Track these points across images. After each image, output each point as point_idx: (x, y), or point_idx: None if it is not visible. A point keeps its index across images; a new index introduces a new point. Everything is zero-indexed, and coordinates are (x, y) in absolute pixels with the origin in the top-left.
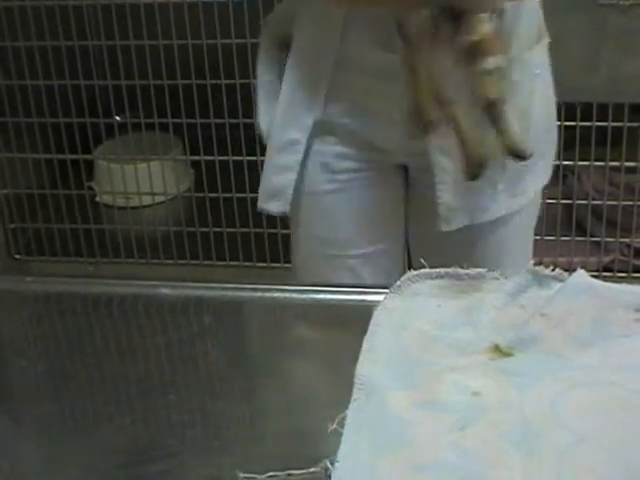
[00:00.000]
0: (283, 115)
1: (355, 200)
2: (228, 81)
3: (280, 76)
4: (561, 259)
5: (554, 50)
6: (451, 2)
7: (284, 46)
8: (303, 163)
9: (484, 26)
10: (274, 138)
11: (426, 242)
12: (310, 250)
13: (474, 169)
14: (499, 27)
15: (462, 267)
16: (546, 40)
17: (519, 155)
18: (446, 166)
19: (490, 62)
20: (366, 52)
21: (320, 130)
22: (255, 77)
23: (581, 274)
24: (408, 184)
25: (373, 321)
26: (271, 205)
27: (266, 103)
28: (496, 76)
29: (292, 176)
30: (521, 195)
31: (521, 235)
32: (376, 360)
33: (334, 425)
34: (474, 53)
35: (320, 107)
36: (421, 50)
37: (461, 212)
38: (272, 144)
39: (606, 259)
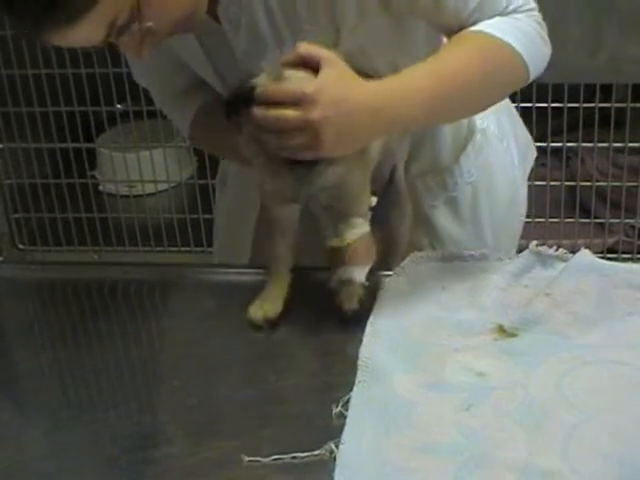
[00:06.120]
0: None
1: None
2: None
3: None
4: (565, 241)
5: (556, 32)
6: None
7: None
8: None
9: (354, 231)
10: None
11: None
12: None
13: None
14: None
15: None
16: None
17: None
18: None
19: (347, 273)
20: None
21: None
22: None
23: (585, 254)
24: None
25: (377, 303)
26: None
27: None
28: (352, 287)
29: None
30: None
31: None
32: (380, 342)
33: (338, 407)
34: (336, 260)
35: None
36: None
37: None
38: None
39: (610, 240)
